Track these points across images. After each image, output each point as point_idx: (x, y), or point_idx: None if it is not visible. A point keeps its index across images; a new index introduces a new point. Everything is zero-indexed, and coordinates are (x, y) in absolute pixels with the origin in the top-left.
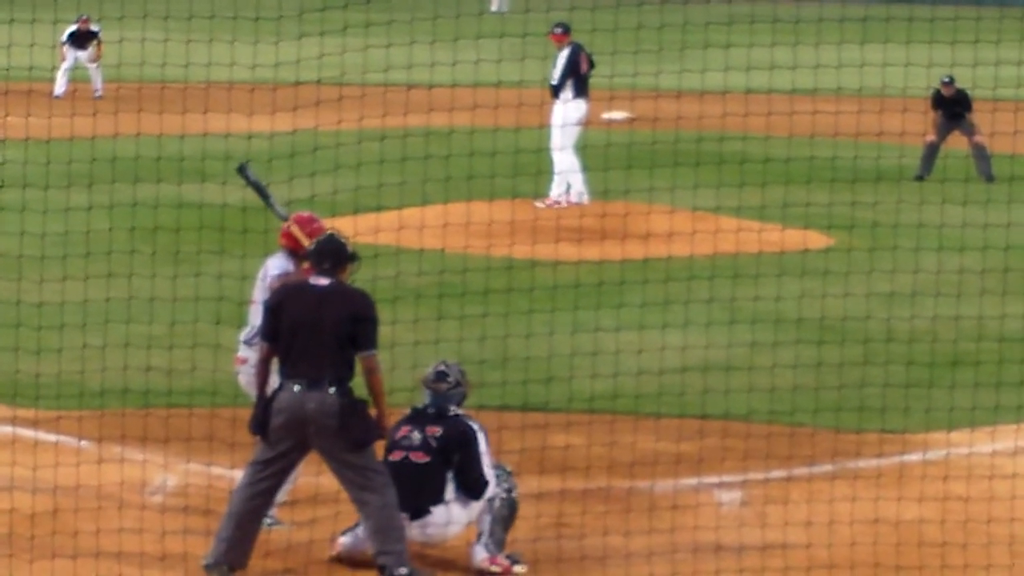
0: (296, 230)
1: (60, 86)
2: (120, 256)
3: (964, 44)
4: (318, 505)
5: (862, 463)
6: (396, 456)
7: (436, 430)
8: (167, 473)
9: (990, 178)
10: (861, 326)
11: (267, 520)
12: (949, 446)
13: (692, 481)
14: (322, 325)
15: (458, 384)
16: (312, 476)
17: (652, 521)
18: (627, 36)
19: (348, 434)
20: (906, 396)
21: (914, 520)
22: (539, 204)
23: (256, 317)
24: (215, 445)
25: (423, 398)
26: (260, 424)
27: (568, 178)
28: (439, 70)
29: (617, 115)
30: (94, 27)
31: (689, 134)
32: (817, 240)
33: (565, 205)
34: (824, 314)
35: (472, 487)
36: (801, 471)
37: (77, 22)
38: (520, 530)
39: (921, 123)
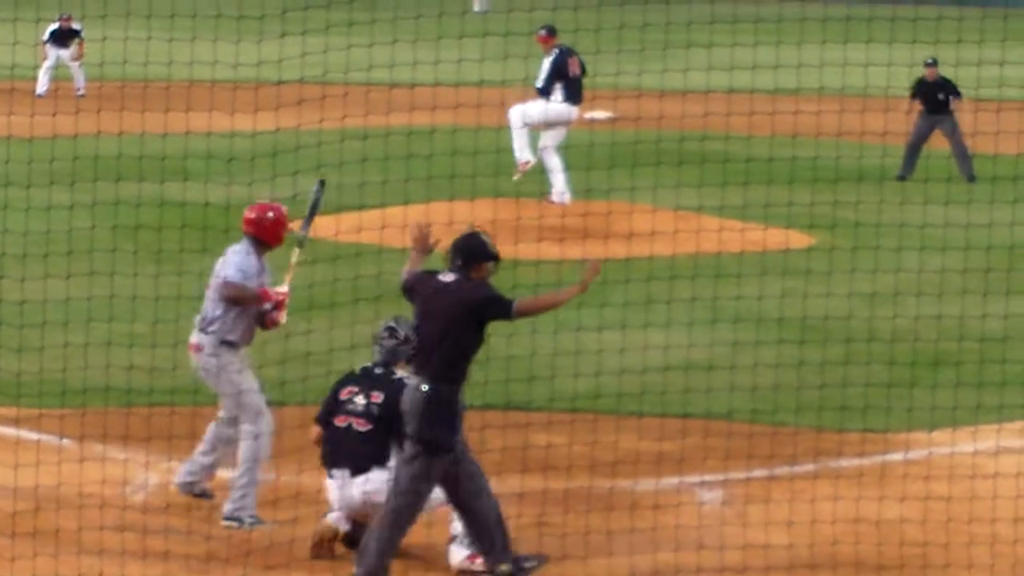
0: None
1: (42, 85)
2: (102, 254)
3: (946, 44)
4: (300, 504)
5: (844, 462)
6: (341, 421)
7: (378, 397)
8: (149, 472)
9: (971, 178)
10: (843, 325)
11: (248, 520)
12: (931, 446)
13: (674, 480)
14: (435, 319)
15: (407, 340)
16: (293, 475)
17: (634, 520)
18: (609, 36)
19: (419, 433)
20: (888, 396)
21: (895, 519)
22: (548, 202)
23: (211, 305)
24: (197, 444)
25: (372, 355)
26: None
27: (550, 177)
28: (421, 69)
29: (599, 115)
30: (76, 25)
31: (671, 133)
32: (799, 240)
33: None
34: (806, 313)
35: None
36: (783, 470)
37: (59, 20)
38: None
39: (903, 123)
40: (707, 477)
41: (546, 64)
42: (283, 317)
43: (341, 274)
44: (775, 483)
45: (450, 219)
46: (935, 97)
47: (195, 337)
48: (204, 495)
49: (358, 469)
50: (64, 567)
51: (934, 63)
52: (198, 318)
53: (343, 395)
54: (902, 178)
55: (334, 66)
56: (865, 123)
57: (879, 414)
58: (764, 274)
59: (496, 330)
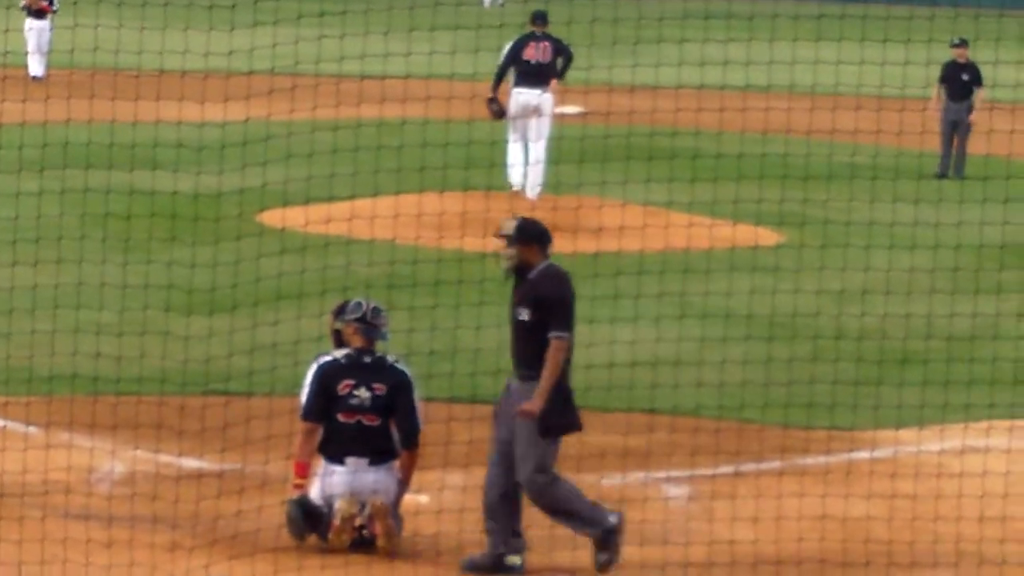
0: None
1: (39, 68)
2: (70, 242)
3: (918, 43)
4: (266, 493)
5: (810, 460)
6: (348, 418)
7: (381, 387)
8: (115, 460)
9: (961, 176)
10: (811, 323)
11: None
12: (897, 444)
13: (640, 475)
14: None
15: (382, 318)
16: (259, 465)
17: None
18: (581, 30)
19: None
20: (855, 393)
21: (861, 517)
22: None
23: None
24: (163, 433)
25: (352, 336)
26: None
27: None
28: (393, 61)
29: (570, 109)
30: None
31: (642, 128)
32: (768, 237)
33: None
34: (774, 310)
35: (409, 433)
36: (749, 467)
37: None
38: (468, 521)
39: (873, 121)
40: (673, 473)
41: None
42: None
43: (309, 264)
44: (741, 479)
45: (419, 211)
46: (959, 78)
47: None
48: None
49: (375, 460)
50: (28, 554)
51: (962, 43)
52: None
53: (341, 389)
54: (942, 176)
55: (305, 56)
56: (836, 121)
57: (846, 412)
58: (733, 270)
59: (464, 323)
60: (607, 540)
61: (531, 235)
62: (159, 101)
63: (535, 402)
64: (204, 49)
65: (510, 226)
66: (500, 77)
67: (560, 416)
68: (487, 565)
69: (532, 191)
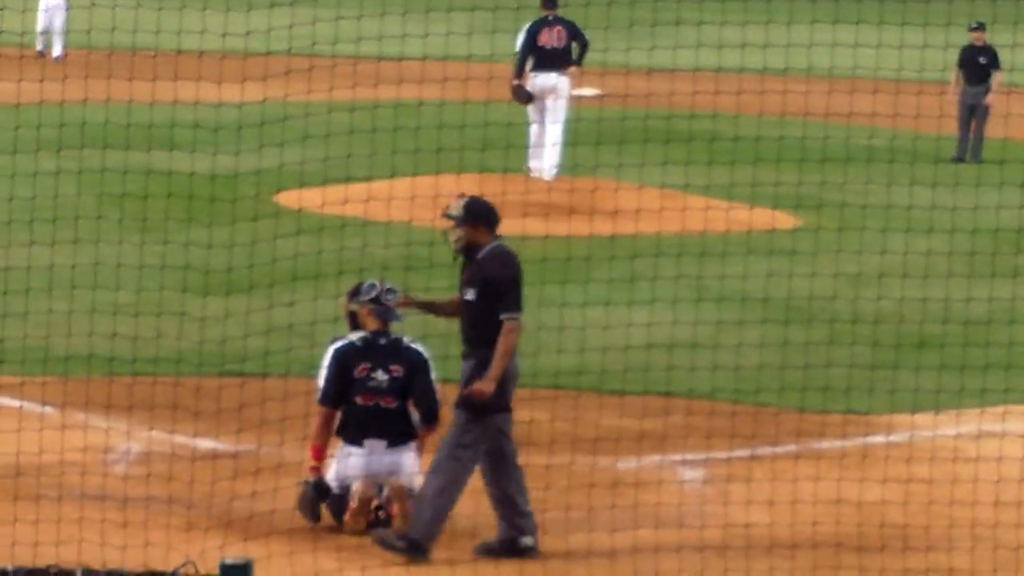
0: None
1: (57, 48)
2: (87, 222)
3: (936, 27)
4: (281, 475)
5: (826, 443)
6: (367, 400)
7: (398, 369)
8: (130, 441)
9: (978, 160)
10: (827, 306)
11: None
12: (913, 428)
13: (655, 458)
14: None
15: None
16: (275, 447)
17: (615, 497)
18: (598, 12)
19: None
20: (871, 377)
21: (877, 501)
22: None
23: None
24: (179, 414)
25: (367, 318)
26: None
27: (533, 151)
28: (410, 42)
29: (587, 92)
30: None
31: (659, 111)
32: (785, 220)
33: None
34: (790, 294)
35: (429, 411)
36: (765, 450)
37: None
38: (483, 505)
39: (891, 105)
40: (689, 456)
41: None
42: None
43: (326, 246)
44: (757, 463)
45: (436, 193)
46: (976, 62)
47: None
48: None
49: (394, 443)
50: (44, 534)
51: (979, 27)
52: None
53: (358, 373)
54: (960, 159)
55: (322, 37)
56: (854, 104)
57: (862, 396)
58: (749, 254)
59: None
60: (412, 548)
61: (478, 215)
62: (176, 81)
63: (487, 383)
64: (222, 29)
65: (457, 206)
66: (522, 64)
67: (496, 396)
68: (501, 549)
69: (549, 172)
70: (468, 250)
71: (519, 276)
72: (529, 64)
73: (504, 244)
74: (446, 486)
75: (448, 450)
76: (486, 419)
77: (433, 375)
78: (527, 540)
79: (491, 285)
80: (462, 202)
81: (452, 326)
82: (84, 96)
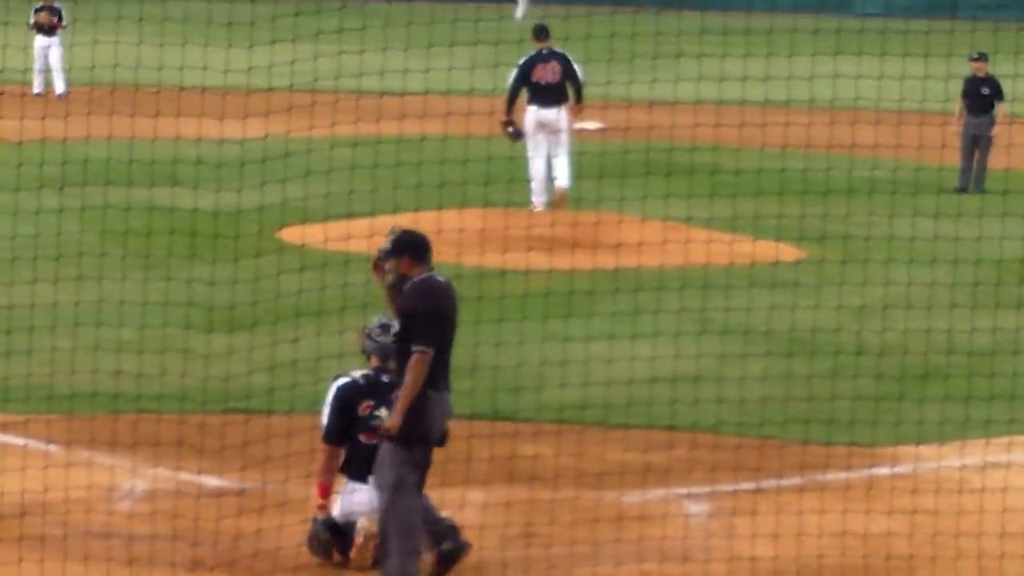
0: None
1: (60, 85)
2: (90, 259)
3: (937, 57)
4: (286, 512)
5: (830, 476)
6: (370, 439)
7: None
8: (135, 478)
9: (981, 190)
10: (831, 338)
11: None
12: (918, 460)
13: (660, 492)
14: (455, 322)
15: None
16: (279, 483)
17: (620, 532)
18: (599, 45)
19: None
20: (875, 409)
21: (882, 533)
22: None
23: None
24: (183, 451)
25: (366, 353)
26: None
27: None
28: (412, 77)
29: (589, 125)
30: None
31: (661, 144)
32: (788, 252)
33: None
34: (794, 326)
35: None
36: (769, 483)
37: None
38: (488, 539)
39: (893, 136)
40: (694, 489)
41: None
42: None
43: (329, 282)
44: (762, 496)
45: (439, 228)
46: (979, 93)
47: None
48: None
49: None
50: (49, 573)
51: (981, 57)
52: None
53: (361, 411)
54: (963, 190)
55: (324, 73)
56: (856, 135)
57: (866, 427)
58: (752, 286)
59: (484, 340)
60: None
61: (402, 247)
62: (179, 118)
63: (394, 418)
64: (223, 66)
65: (388, 240)
66: (512, 100)
67: (414, 426)
68: (440, 566)
69: (565, 183)
70: (400, 282)
71: (437, 309)
72: (526, 96)
73: (434, 276)
74: (404, 530)
75: (387, 494)
76: (411, 448)
77: None
78: (446, 545)
79: (406, 317)
80: (392, 236)
81: (456, 360)
82: (86, 133)
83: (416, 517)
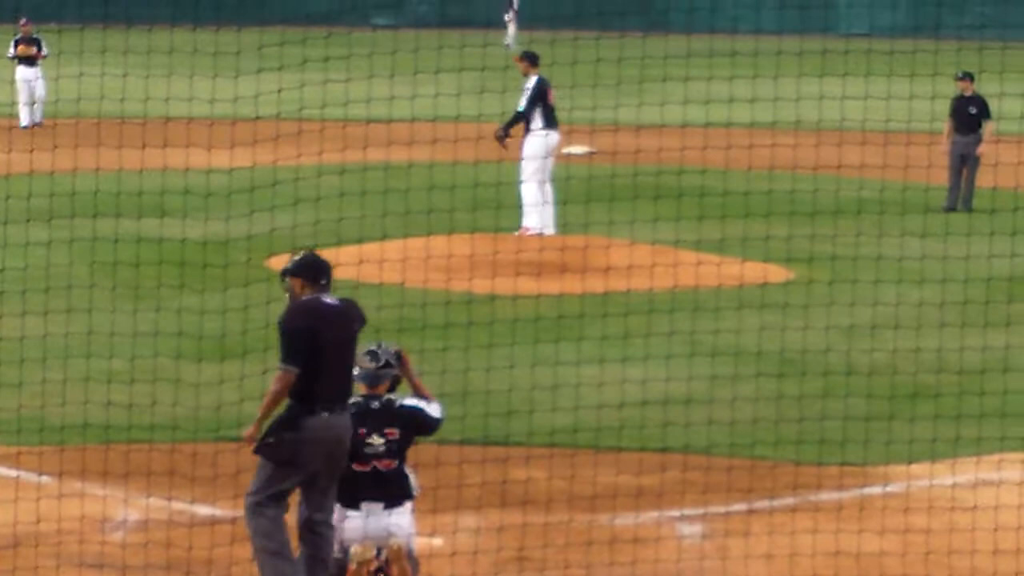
0: None
1: (37, 115)
2: (80, 291)
3: (923, 77)
4: None
5: (823, 496)
6: (363, 467)
7: (394, 432)
8: (128, 508)
9: (968, 209)
10: (821, 359)
11: None
12: (910, 478)
13: (653, 514)
14: (348, 345)
15: (388, 364)
16: None
17: (613, 554)
18: (586, 70)
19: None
20: (866, 429)
21: (875, 552)
22: (517, 234)
23: None
24: (176, 480)
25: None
26: (291, 452)
27: (534, 210)
28: (398, 104)
29: (576, 149)
30: (35, 35)
31: (648, 167)
32: (776, 273)
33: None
34: (784, 347)
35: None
36: (762, 504)
37: (20, 26)
38: (481, 564)
39: (879, 156)
40: (686, 511)
41: (528, 86)
42: None
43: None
44: (754, 517)
45: (427, 254)
46: (966, 112)
47: None
48: None
49: (390, 504)
50: None
51: (966, 76)
52: None
53: (353, 439)
54: (951, 209)
55: (310, 102)
56: (842, 156)
57: (858, 447)
58: (742, 308)
59: (474, 365)
60: None
61: (297, 268)
62: (165, 148)
63: (250, 428)
64: (210, 96)
65: (290, 260)
66: (527, 120)
67: (279, 447)
68: None
69: (552, 230)
70: (293, 301)
71: (309, 329)
72: (539, 121)
73: (320, 299)
74: (275, 550)
75: (247, 499)
76: (278, 466)
77: (437, 413)
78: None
79: (279, 334)
80: (295, 257)
81: (447, 386)
82: (74, 165)
83: (282, 536)
